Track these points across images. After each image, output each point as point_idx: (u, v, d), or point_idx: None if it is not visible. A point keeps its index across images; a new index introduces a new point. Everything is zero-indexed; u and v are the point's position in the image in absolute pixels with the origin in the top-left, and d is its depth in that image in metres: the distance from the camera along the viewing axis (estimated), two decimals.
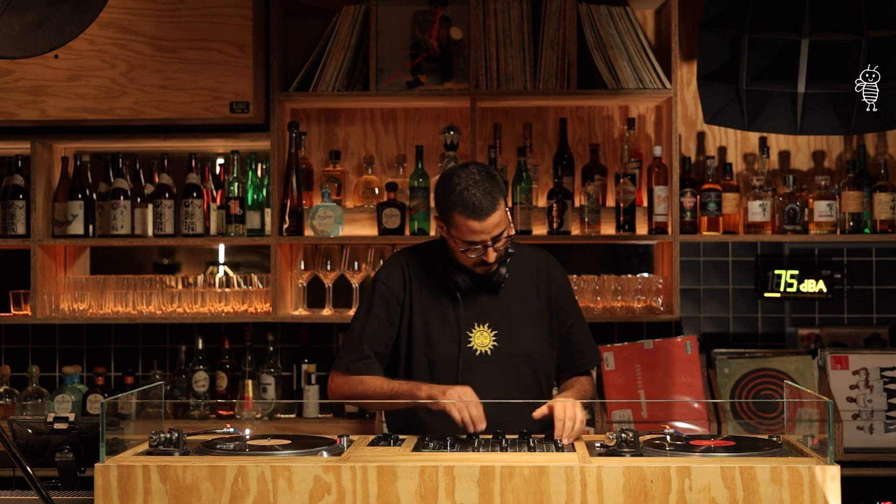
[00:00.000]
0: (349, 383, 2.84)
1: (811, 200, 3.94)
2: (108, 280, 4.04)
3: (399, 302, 2.88)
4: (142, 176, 4.08)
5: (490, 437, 2.56)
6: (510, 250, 2.83)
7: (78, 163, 4.05)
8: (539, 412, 2.65)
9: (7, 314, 4.12)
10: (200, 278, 4.08)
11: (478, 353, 2.86)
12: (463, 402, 2.62)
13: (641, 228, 3.96)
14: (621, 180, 3.93)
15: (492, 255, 2.76)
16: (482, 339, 2.87)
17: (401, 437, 2.58)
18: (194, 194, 3.94)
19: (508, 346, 2.87)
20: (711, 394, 3.86)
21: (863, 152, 4.04)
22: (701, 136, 4.16)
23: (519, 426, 2.62)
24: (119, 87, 3.83)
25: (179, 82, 3.82)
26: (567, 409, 2.59)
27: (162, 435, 2.40)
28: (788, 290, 4.08)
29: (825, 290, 4.07)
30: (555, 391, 3.01)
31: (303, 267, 3.98)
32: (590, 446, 2.47)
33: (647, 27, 4.13)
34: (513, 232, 2.80)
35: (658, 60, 3.90)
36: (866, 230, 3.93)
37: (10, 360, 4.20)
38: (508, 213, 2.79)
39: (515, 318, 2.89)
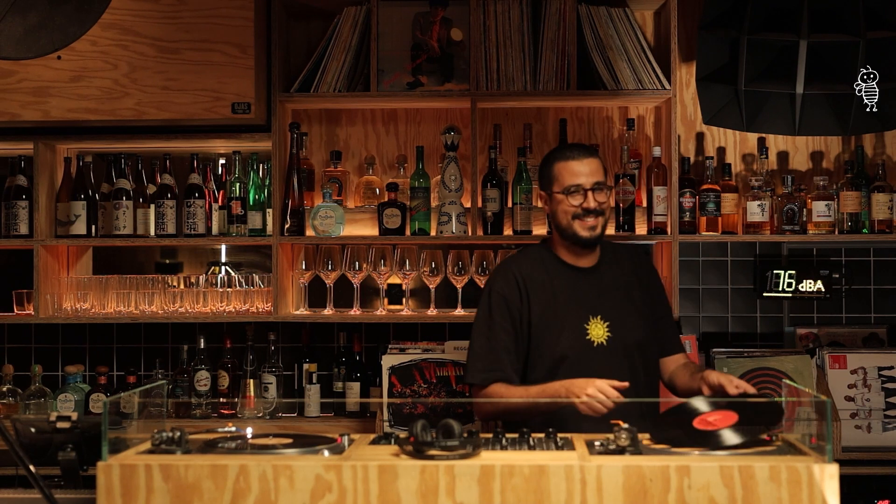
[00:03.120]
0: (489, 398, 3.04)
1: (809, 201, 3.95)
2: (110, 280, 4.05)
3: (517, 307, 3.07)
4: (144, 176, 4.10)
5: (490, 435, 2.57)
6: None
7: (80, 163, 4.06)
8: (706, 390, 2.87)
9: (10, 314, 4.14)
10: (202, 278, 4.09)
11: (595, 343, 3.05)
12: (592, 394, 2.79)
13: (641, 228, 3.98)
14: (621, 180, 3.95)
15: (592, 201, 3.00)
16: (597, 330, 3.07)
17: (401, 436, 2.60)
18: (196, 195, 3.96)
19: (621, 336, 3.07)
20: None
21: (861, 153, 4.05)
22: (700, 137, 4.17)
23: (635, 419, 2.56)
24: (121, 88, 3.85)
25: (181, 83, 3.84)
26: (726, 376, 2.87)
27: (164, 434, 2.41)
28: (787, 289, 4.10)
29: (823, 289, 4.09)
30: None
31: (304, 267, 4.00)
32: (590, 445, 2.48)
33: (646, 28, 4.14)
34: (611, 196, 3.13)
35: (657, 61, 3.92)
36: (864, 230, 3.94)
37: (13, 360, 4.22)
38: (605, 175, 3.11)
39: (624, 310, 3.10)
